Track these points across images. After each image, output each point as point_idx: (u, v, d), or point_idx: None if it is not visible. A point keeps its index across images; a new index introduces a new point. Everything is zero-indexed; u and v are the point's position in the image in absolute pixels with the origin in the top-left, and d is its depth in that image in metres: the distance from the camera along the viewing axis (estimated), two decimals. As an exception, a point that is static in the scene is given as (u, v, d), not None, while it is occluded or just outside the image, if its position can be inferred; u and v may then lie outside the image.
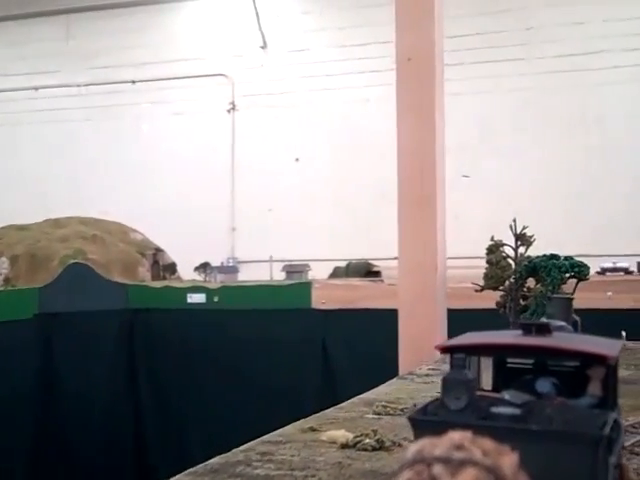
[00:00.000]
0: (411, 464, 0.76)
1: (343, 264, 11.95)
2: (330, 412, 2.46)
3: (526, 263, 3.53)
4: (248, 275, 12.30)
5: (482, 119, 13.06)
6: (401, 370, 4.11)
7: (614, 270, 9.46)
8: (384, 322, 5.18)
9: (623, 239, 11.66)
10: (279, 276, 11.80)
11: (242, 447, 1.91)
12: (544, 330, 1.02)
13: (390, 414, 2.38)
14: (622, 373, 1.06)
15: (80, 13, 15.70)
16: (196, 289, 9.08)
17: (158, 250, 11.16)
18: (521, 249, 3.65)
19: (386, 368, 4.19)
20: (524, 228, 3.62)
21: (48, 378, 8.39)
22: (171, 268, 11.26)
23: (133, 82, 15.26)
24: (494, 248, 3.69)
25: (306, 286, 8.73)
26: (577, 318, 2.51)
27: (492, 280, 3.65)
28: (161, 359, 8.81)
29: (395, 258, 4.54)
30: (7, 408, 7.73)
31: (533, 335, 1.02)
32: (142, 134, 15.25)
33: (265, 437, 2.05)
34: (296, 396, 8.02)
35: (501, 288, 3.66)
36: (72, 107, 15.39)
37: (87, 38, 15.60)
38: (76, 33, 15.79)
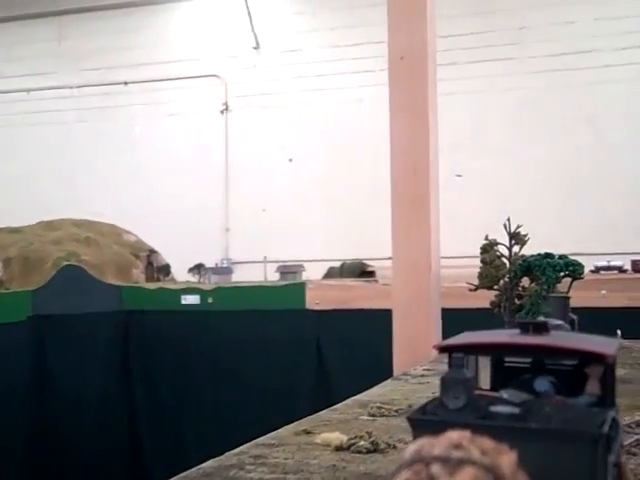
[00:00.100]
0: (409, 464, 0.75)
1: (337, 264, 11.94)
2: (324, 414, 2.44)
3: (520, 262, 3.52)
4: (242, 276, 12.29)
5: (475, 118, 13.06)
6: (396, 370, 4.10)
7: (608, 268, 9.48)
8: (378, 322, 5.17)
9: (617, 238, 11.67)
10: (273, 277, 11.80)
11: (235, 450, 1.90)
12: (542, 329, 1.01)
13: (385, 415, 2.37)
14: (618, 372, 1.06)
15: (73, 15, 15.67)
16: (190, 290, 9.06)
17: (152, 251, 11.14)
18: (515, 248, 3.63)
19: (380, 368, 4.17)
20: (518, 227, 3.61)
21: (42, 380, 8.37)
22: (165, 269, 11.24)
23: (126, 83, 15.23)
24: (488, 247, 3.68)
25: (300, 287, 8.72)
26: (574, 317, 2.50)
27: (486, 279, 3.64)
28: (156, 360, 8.80)
29: (389, 258, 4.53)
30: (1, 410, 7.70)
31: (531, 334, 1.01)
32: (135, 135, 15.23)
33: (258, 440, 2.03)
34: (290, 396, 8.01)
35: (496, 287, 3.65)
36: (65, 109, 15.35)
37: (80, 39, 15.56)
38: (69, 35, 15.75)
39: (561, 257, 3.41)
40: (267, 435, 2.10)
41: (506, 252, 3.65)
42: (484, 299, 3.79)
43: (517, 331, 1.03)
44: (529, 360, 1.04)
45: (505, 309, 3.60)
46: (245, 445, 1.96)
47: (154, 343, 8.82)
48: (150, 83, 15.04)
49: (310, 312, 8.36)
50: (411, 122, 4.40)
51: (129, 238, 11.22)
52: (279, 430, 2.18)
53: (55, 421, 8.33)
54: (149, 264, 10.96)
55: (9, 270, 9.72)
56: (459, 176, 11.91)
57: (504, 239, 3.64)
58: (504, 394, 0.98)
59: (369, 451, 1.87)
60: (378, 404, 2.49)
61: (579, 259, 3.48)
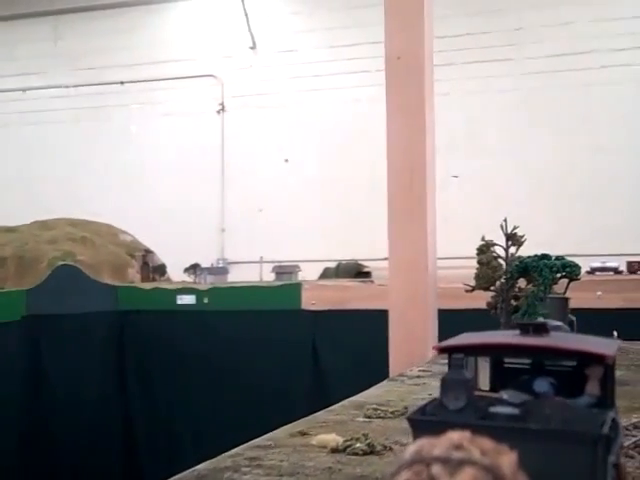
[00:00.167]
0: (410, 464, 0.75)
1: (333, 265, 11.94)
2: (320, 415, 2.43)
3: (517, 263, 3.51)
4: (238, 276, 12.26)
5: (471, 119, 13.06)
6: (392, 371, 4.09)
7: (603, 270, 9.49)
8: (374, 323, 5.16)
9: (612, 239, 11.68)
10: (269, 277, 11.78)
11: (230, 452, 1.88)
12: (541, 330, 1.02)
13: (381, 417, 2.36)
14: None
15: (69, 14, 15.64)
16: (186, 290, 9.05)
17: (148, 251, 11.13)
18: (512, 249, 3.63)
19: (376, 369, 4.17)
20: (515, 228, 3.60)
21: (36, 380, 8.35)
22: (161, 269, 11.23)
23: (122, 83, 15.20)
24: (485, 248, 3.67)
25: (296, 287, 8.71)
26: (573, 318, 2.50)
27: (483, 280, 3.63)
28: (151, 360, 8.79)
29: (385, 259, 4.52)
30: (-4, 410, 7.70)
31: (531, 335, 1.01)
32: (132, 135, 15.20)
33: (254, 441, 2.01)
34: (286, 397, 8.01)
35: (492, 288, 3.64)
36: (61, 108, 15.32)
37: (75, 39, 15.54)
38: (64, 34, 15.73)
39: (558, 258, 3.41)
40: (262, 437, 2.08)
41: (503, 253, 3.64)
42: (480, 300, 3.79)
43: (517, 332, 1.03)
44: (528, 361, 1.04)
45: (501, 310, 3.60)
46: (240, 447, 1.95)
47: (149, 343, 8.80)
48: (146, 83, 15.01)
49: (306, 312, 8.35)
50: (408, 122, 4.39)
51: (125, 238, 11.21)
52: (275, 431, 2.16)
53: (50, 421, 8.31)
54: (145, 264, 10.95)
55: (4, 269, 9.70)
56: (455, 177, 11.91)
57: (500, 240, 3.64)
58: (504, 395, 0.98)
59: (365, 453, 1.86)
60: (374, 405, 2.48)
61: (574, 260, 3.47)
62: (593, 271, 9.32)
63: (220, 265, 13.42)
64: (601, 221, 12.20)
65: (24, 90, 15.59)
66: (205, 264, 12.02)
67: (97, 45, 15.20)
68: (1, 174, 15.28)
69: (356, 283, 9.59)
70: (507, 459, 0.75)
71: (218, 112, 14.93)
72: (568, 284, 3.36)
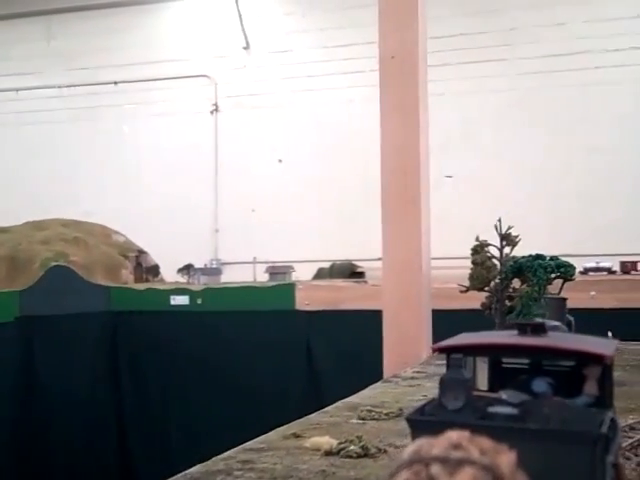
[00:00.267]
0: (409, 464, 0.75)
1: (327, 265, 11.93)
2: (314, 417, 2.41)
3: (511, 263, 3.49)
4: (231, 277, 12.24)
5: (466, 119, 13.06)
6: (386, 372, 4.08)
7: (597, 270, 9.50)
8: (368, 323, 5.15)
9: (606, 239, 11.69)
10: (263, 277, 11.76)
11: (223, 455, 1.86)
12: (540, 330, 1.02)
13: (375, 419, 2.34)
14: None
15: (62, 14, 15.59)
16: (179, 291, 9.05)
17: (141, 252, 11.11)
18: (506, 249, 3.61)
19: (370, 369, 4.16)
20: (509, 228, 3.59)
21: (29, 380, 8.33)
22: (154, 270, 11.21)
23: (115, 83, 15.17)
24: (479, 248, 3.66)
25: (290, 287, 8.71)
26: (571, 318, 2.48)
27: (477, 281, 3.62)
28: (144, 361, 8.77)
29: (379, 259, 4.51)
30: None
31: (529, 335, 1.01)
32: (125, 135, 15.17)
33: (247, 444, 2.00)
34: (280, 397, 8.01)
35: (486, 289, 3.63)
36: (54, 108, 15.28)
37: (69, 39, 15.49)
38: (58, 34, 15.68)
39: (552, 258, 3.39)
40: (255, 439, 2.06)
41: (497, 253, 3.62)
42: (475, 300, 3.77)
43: (515, 332, 1.03)
44: (527, 361, 1.04)
45: (496, 311, 3.58)
46: (233, 450, 1.93)
47: (143, 344, 8.79)
48: (140, 83, 14.98)
49: (300, 313, 8.35)
50: (402, 121, 4.38)
51: (118, 238, 11.18)
52: (268, 434, 2.15)
53: (42, 421, 8.29)
54: (138, 264, 10.93)
55: (-3, 270, 9.67)
56: (449, 177, 11.90)
57: (495, 240, 3.62)
58: (503, 395, 0.98)
59: (359, 456, 1.84)
60: (368, 407, 2.47)
61: (568, 260, 3.46)
62: (587, 271, 9.33)
63: (214, 265, 13.40)
64: (595, 221, 12.21)
65: (17, 90, 15.54)
66: (198, 264, 12.00)
67: (90, 45, 15.16)
68: (-6, 174, 15.24)
69: (350, 283, 9.59)
70: (506, 459, 0.75)
71: (212, 112, 14.91)
72: (562, 284, 3.35)
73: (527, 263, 3.40)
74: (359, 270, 11.55)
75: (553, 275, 3.34)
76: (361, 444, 1.88)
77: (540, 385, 1.00)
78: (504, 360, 1.05)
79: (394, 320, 4.34)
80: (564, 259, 3.45)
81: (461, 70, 12.98)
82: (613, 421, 0.96)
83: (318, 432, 2.12)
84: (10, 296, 8.48)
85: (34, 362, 8.38)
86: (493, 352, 1.04)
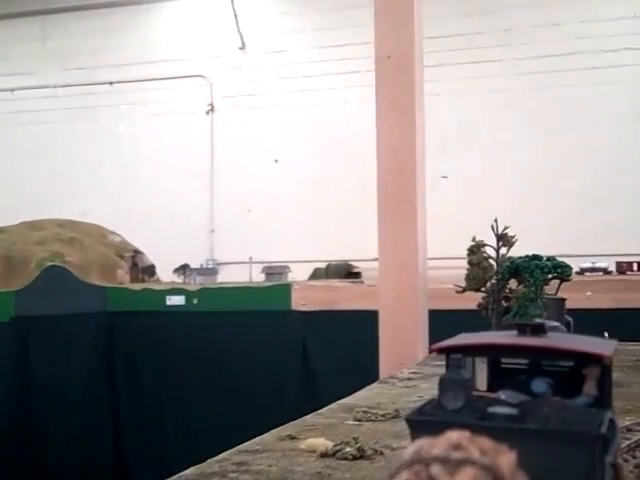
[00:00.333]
0: (409, 464, 0.75)
1: (323, 265, 11.92)
2: (309, 418, 2.40)
3: (508, 264, 3.49)
4: (227, 277, 12.23)
5: (462, 120, 13.06)
6: (382, 372, 4.07)
7: (593, 270, 9.49)
8: (364, 323, 5.15)
9: (601, 239, 11.69)
10: (259, 278, 11.75)
11: (218, 457, 1.85)
12: (539, 330, 1.02)
13: (371, 420, 2.33)
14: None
15: (57, 14, 15.56)
16: (175, 291, 9.03)
17: (137, 252, 11.09)
18: (503, 250, 3.60)
19: (366, 369, 4.15)
20: (506, 228, 3.58)
21: (25, 381, 8.31)
22: (150, 270, 11.19)
23: (111, 83, 15.14)
24: (475, 249, 3.65)
25: (286, 288, 8.70)
26: (570, 319, 2.48)
27: (474, 281, 3.61)
28: (140, 361, 8.76)
29: (375, 259, 4.50)
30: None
31: (528, 335, 1.01)
32: (120, 135, 15.14)
33: (242, 446, 1.98)
34: (276, 397, 8.00)
35: (483, 289, 3.62)
36: (49, 109, 15.24)
37: (64, 39, 15.46)
38: (53, 34, 15.65)
39: (549, 259, 3.38)
40: (251, 441, 2.05)
41: (493, 254, 3.62)
42: (471, 301, 3.77)
43: (514, 332, 1.03)
44: (526, 361, 1.04)
45: (492, 311, 3.57)
46: (228, 452, 1.92)
47: (139, 344, 8.78)
48: (135, 83, 14.95)
49: (296, 313, 8.34)
50: (398, 121, 4.37)
51: (114, 238, 11.16)
52: (263, 435, 2.13)
53: (38, 421, 8.28)
54: (134, 265, 10.91)
55: (-8, 270, 9.64)
56: (444, 177, 11.90)
57: (491, 240, 3.61)
58: (502, 395, 0.98)
59: (355, 457, 1.83)
60: (364, 408, 2.45)
61: (563, 261, 3.45)
62: (583, 272, 9.33)
63: (210, 266, 13.38)
64: (591, 222, 12.21)
65: (13, 90, 15.50)
66: (194, 265, 11.98)
67: (86, 45, 15.12)
68: (-11, 174, 15.21)
69: (346, 284, 9.58)
70: (506, 459, 0.75)
71: (207, 112, 14.89)
72: (559, 285, 3.34)
73: (524, 263, 3.39)
74: (355, 270, 11.54)
75: (550, 276, 3.33)
76: (357, 446, 1.87)
77: (539, 385, 1.00)
78: (503, 360, 1.06)
79: (390, 320, 4.34)
80: (560, 259, 3.44)
81: (457, 70, 12.97)
82: (612, 421, 0.96)
83: (314, 434, 2.10)
84: (6, 296, 8.46)
85: (29, 362, 8.36)
86: (493, 352, 1.04)
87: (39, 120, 15.19)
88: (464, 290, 3.71)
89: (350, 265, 11.77)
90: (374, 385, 3.18)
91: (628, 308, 7.24)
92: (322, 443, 1.91)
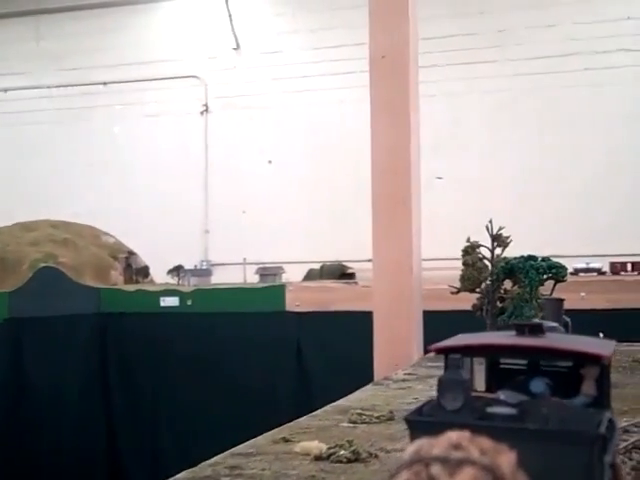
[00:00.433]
0: (409, 464, 0.75)
1: (317, 266, 11.90)
2: (303, 421, 2.38)
3: (503, 264, 3.48)
4: (222, 278, 12.21)
5: (457, 120, 13.06)
6: (376, 374, 4.06)
7: (587, 271, 9.50)
8: (359, 324, 5.14)
9: (595, 240, 11.70)
10: (253, 279, 11.73)
11: (210, 461, 1.83)
12: (537, 331, 1.02)
13: (366, 422, 2.32)
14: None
15: (51, 14, 15.52)
16: (169, 292, 9.01)
17: (130, 253, 11.06)
18: (497, 250, 3.59)
19: (361, 370, 4.14)
20: (500, 229, 3.57)
21: (19, 382, 8.29)
22: (144, 271, 11.16)
23: (105, 84, 15.11)
24: (470, 249, 3.64)
25: (280, 289, 8.68)
26: (568, 319, 2.46)
27: (469, 282, 3.60)
28: (134, 363, 8.74)
29: (369, 260, 4.49)
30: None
31: (527, 336, 1.02)
32: (115, 136, 15.11)
33: (235, 449, 1.96)
34: (271, 399, 7.99)
35: (478, 290, 3.61)
36: (43, 109, 15.21)
37: (58, 39, 15.43)
38: (46, 34, 15.61)
39: (544, 259, 3.38)
40: (244, 444, 2.03)
41: (488, 254, 3.61)
42: (466, 301, 3.76)
43: (513, 333, 1.03)
44: (524, 362, 1.05)
45: (487, 312, 3.56)
46: (220, 455, 1.90)
47: (133, 346, 8.75)
48: (130, 83, 14.93)
49: (290, 314, 8.33)
50: (392, 121, 4.36)
51: (107, 239, 11.13)
52: (257, 438, 2.11)
53: (32, 423, 8.25)
54: (128, 266, 10.88)
55: (-15, 272, 9.61)
56: (439, 178, 11.89)
57: (486, 241, 3.60)
58: (501, 395, 0.98)
59: (350, 461, 1.81)
60: (359, 410, 2.44)
61: (557, 261, 3.45)
62: (577, 272, 9.33)
63: (204, 267, 13.35)
64: (584, 222, 12.22)
65: (5, 90, 15.47)
66: (188, 266, 11.95)
67: (79, 45, 15.09)
68: (-18, 175, 15.16)
69: (340, 285, 9.57)
70: (506, 459, 0.75)
71: (202, 113, 14.87)
72: (554, 285, 3.33)
73: (519, 264, 3.38)
74: (349, 271, 11.53)
75: (545, 276, 3.33)
76: (352, 449, 1.85)
77: (538, 385, 1.00)
78: (502, 361, 1.06)
79: (385, 321, 4.33)
80: (553, 260, 3.43)
81: (452, 71, 12.98)
82: (611, 421, 0.96)
83: (308, 436, 2.09)
84: (-1, 297, 8.44)
85: (23, 364, 8.33)
86: (491, 353, 1.05)
87: (33, 120, 15.16)
88: (459, 291, 3.71)
89: (344, 266, 11.76)
90: (368, 387, 3.17)
91: (622, 308, 7.24)
92: (316, 446, 1.89)
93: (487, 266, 3.60)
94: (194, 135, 14.74)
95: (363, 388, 3.11)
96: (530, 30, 12.95)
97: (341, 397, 2.85)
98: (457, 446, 0.75)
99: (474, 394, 0.98)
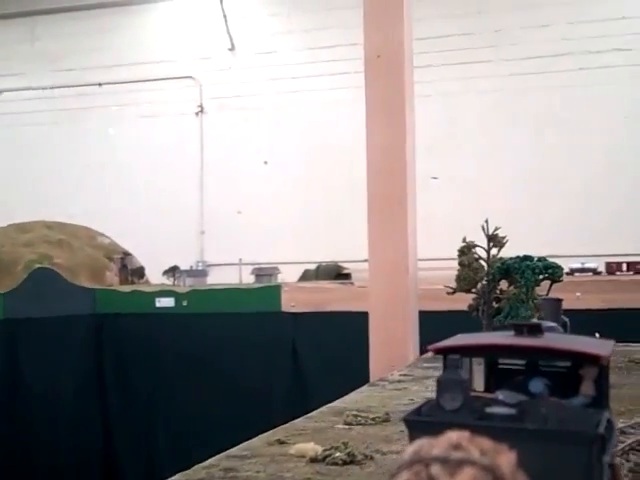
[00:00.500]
0: (409, 464, 0.75)
1: (313, 267, 11.90)
2: (298, 422, 2.37)
3: (499, 265, 3.47)
4: (217, 278, 12.20)
5: (452, 120, 13.06)
6: (372, 374, 4.05)
7: (582, 271, 9.50)
8: (354, 324, 5.13)
9: (591, 240, 11.71)
10: (248, 279, 11.72)
11: (204, 463, 1.81)
12: (536, 331, 1.02)
13: (361, 424, 2.30)
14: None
15: (46, 15, 15.50)
16: (165, 293, 8.99)
17: (126, 254, 11.03)
18: (493, 250, 3.58)
19: (357, 370, 4.13)
20: (496, 229, 3.56)
21: (14, 383, 8.27)
22: (139, 272, 11.13)
23: (100, 84, 15.09)
24: (466, 250, 3.63)
25: (275, 289, 8.67)
26: (566, 319, 2.46)
27: (464, 282, 3.59)
28: (130, 364, 8.72)
29: (365, 260, 4.48)
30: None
31: (526, 336, 1.02)
32: (110, 137, 15.09)
33: (230, 451, 1.95)
34: (267, 399, 7.98)
35: (474, 290, 3.60)
36: (38, 110, 15.19)
37: (53, 40, 15.41)
38: (42, 35, 15.60)
39: (540, 259, 3.37)
40: (238, 446, 2.01)
41: (484, 254, 3.60)
42: (461, 301, 3.75)
43: (511, 333, 1.03)
44: (523, 362, 1.05)
45: (483, 312, 3.55)
46: (215, 457, 1.88)
47: (128, 347, 8.74)
48: (125, 84, 14.91)
49: (286, 315, 8.31)
50: (388, 121, 4.35)
51: (103, 240, 11.10)
52: (251, 440, 2.10)
53: (27, 424, 8.24)
54: (123, 266, 10.85)
55: (-20, 273, 9.58)
56: (435, 178, 11.89)
57: (482, 241, 3.59)
58: (500, 395, 0.98)
59: (345, 463, 1.79)
60: (354, 412, 2.42)
61: (553, 261, 3.44)
62: (572, 272, 9.33)
63: (199, 267, 13.34)
64: (580, 222, 12.23)
65: (1, 92, 15.44)
66: (184, 266, 11.94)
67: (75, 46, 15.08)
68: (-23, 176, 15.13)
69: (336, 285, 9.56)
70: (506, 459, 0.75)
71: (197, 114, 14.86)
72: (550, 286, 3.32)
73: (515, 264, 3.37)
74: (345, 272, 11.52)
75: (541, 276, 3.32)
76: (347, 451, 1.84)
77: (537, 386, 1.00)
78: (500, 361, 1.06)
79: (381, 322, 4.32)
80: (549, 260, 3.43)
81: (447, 71, 12.98)
82: (609, 422, 0.96)
83: (303, 438, 2.07)
84: (-6, 299, 8.42)
85: (18, 365, 8.31)
86: (490, 353, 1.05)
87: (29, 121, 15.14)
88: (455, 291, 3.70)
89: (340, 266, 11.76)
90: (364, 388, 3.15)
91: (618, 308, 7.24)
92: (311, 448, 1.88)
93: (483, 266, 3.59)
94: (189, 136, 14.73)
95: (359, 389, 3.10)
96: (525, 30, 12.97)
97: (336, 397, 2.84)
98: (457, 446, 0.75)
99: (473, 394, 0.98)
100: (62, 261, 9.68)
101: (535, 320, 1.96)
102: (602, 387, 1.00)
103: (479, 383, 1.06)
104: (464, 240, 3.68)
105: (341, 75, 13.14)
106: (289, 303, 8.36)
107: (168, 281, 11.18)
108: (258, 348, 8.29)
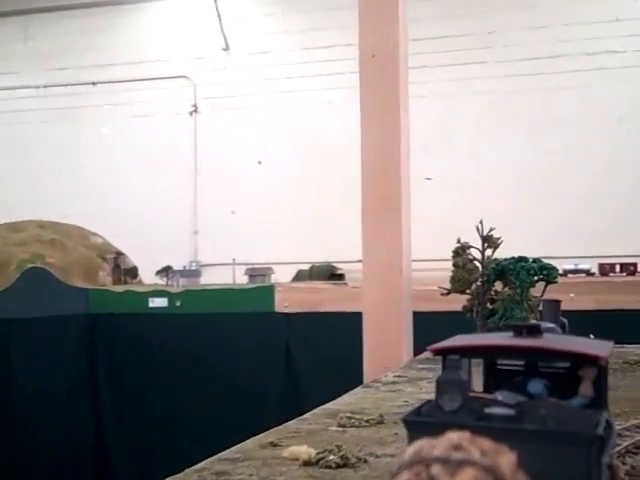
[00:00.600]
0: (410, 465, 0.75)
1: (306, 267, 11.89)
2: (292, 424, 2.35)
3: (494, 266, 3.45)
4: (211, 279, 12.17)
5: (447, 121, 13.06)
6: (366, 375, 4.04)
7: (576, 272, 9.51)
8: (348, 325, 5.12)
9: (584, 241, 11.73)
10: (242, 279, 11.70)
11: (196, 466, 1.79)
12: (535, 332, 1.02)
13: (355, 426, 2.28)
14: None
15: (39, 14, 15.46)
16: (158, 293, 8.98)
17: (119, 254, 11.00)
18: (488, 251, 3.57)
19: (350, 371, 4.12)
20: (491, 230, 3.55)
21: (7, 383, 8.25)
22: (132, 272, 11.11)
23: (94, 84, 15.05)
24: (461, 251, 3.62)
25: (269, 289, 8.66)
26: (565, 320, 2.44)
27: (459, 283, 3.58)
28: (122, 364, 8.71)
29: (359, 261, 4.47)
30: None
31: (525, 337, 1.01)
32: (103, 136, 15.05)
33: (222, 454, 1.93)
34: (260, 399, 7.98)
35: (468, 292, 3.59)
36: (31, 109, 15.15)
37: (46, 39, 15.37)
38: (35, 34, 15.55)
39: (535, 261, 3.35)
40: (231, 449, 1.99)
41: (479, 255, 3.58)
42: (456, 303, 3.74)
43: (510, 334, 1.03)
44: (522, 363, 1.05)
45: (477, 314, 3.54)
46: (207, 460, 1.86)
47: (121, 346, 8.72)
48: (119, 84, 14.88)
49: (279, 315, 8.31)
50: (382, 122, 4.34)
51: (96, 240, 11.08)
52: (244, 442, 2.07)
53: (20, 424, 8.22)
54: (116, 266, 10.83)
55: (-28, 272, 9.54)
56: (429, 179, 11.88)
57: (477, 242, 3.58)
58: (499, 396, 0.98)
59: (339, 466, 1.77)
60: (348, 414, 2.40)
61: (548, 262, 3.43)
62: (566, 273, 9.34)
63: (193, 267, 13.30)
64: (573, 223, 12.24)
65: (-6, 90, 15.41)
66: (177, 266, 11.90)
67: (68, 45, 15.04)
68: (-30, 175, 15.09)
69: (329, 285, 9.56)
70: (507, 459, 0.75)
71: (191, 113, 14.83)
72: (545, 287, 3.31)
73: (509, 266, 3.36)
74: (339, 272, 11.52)
75: (536, 278, 3.31)
76: (341, 454, 1.82)
77: (536, 386, 1.00)
78: (499, 362, 1.07)
79: (374, 323, 4.30)
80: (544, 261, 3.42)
81: (442, 72, 12.98)
82: (608, 422, 0.97)
83: (296, 441, 2.05)
84: (-14, 298, 8.39)
85: (11, 365, 8.29)
86: (489, 354, 1.05)
87: (21, 120, 15.10)
88: (449, 292, 3.69)
89: (334, 267, 11.75)
90: (358, 389, 3.13)
91: (611, 310, 7.25)
92: (305, 451, 1.86)
93: (478, 267, 3.59)
94: (183, 135, 14.71)
95: (352, 391, 3.08)
96: (520, 32, 12.98)
97: (330, 398, 2.82)
98: (458, 447, 0.75)
99: (472, 395, 0.98)
100: (55, 261, 9.65)
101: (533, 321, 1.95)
102: (601, 388, 1.00)
103: (478, 384, 1.07)
104: (458, 241, 3.67)
105: (336, 75, 13.13)
106: (282, 303, 8.35)
107: (161, 281, 11.15)
108: (251, 348, 8.28)
